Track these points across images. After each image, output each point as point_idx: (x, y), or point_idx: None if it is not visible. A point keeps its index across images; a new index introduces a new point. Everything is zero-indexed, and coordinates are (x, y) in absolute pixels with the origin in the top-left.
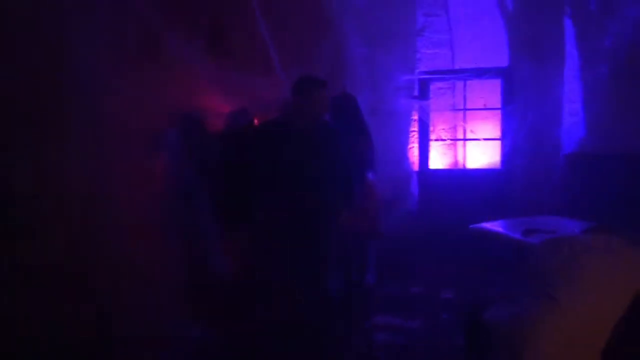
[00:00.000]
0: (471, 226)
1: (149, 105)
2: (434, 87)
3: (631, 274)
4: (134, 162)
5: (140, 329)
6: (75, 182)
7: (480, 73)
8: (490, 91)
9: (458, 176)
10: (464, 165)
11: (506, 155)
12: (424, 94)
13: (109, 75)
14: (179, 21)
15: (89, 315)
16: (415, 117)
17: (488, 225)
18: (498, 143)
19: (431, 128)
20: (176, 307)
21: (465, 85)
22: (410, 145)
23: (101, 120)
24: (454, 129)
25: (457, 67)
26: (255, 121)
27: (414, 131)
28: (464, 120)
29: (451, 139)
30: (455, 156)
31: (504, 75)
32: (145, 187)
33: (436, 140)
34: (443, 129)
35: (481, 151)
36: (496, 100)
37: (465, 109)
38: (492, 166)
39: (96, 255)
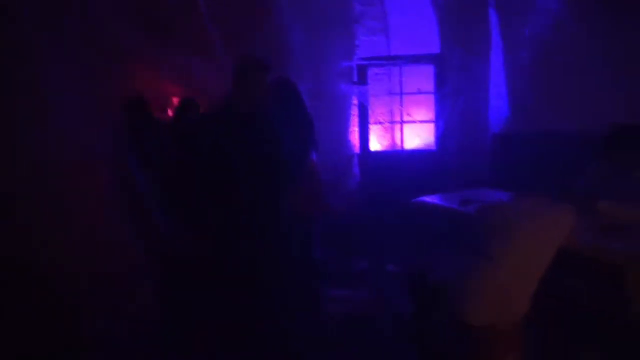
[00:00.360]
0: (413, 200)
1: (92, 92)
2: (371, 72)
3: (554, 231)
4: (79, 149)
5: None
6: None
7: (415, 59)
8: (424, 76)
9: (396, 157)
10: (401, 146)
11: (440, 136)
12: (362, 79)
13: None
14: (120, 7)
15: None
16: (355, 101)
17: (427, 198)
18: (432, 125)
19: (370, 112)
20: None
21: (401, 71)
22: (351, 129)
23: (46, 106)
24: (391, 112)
25: (393, 53)
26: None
27: (354, 115)
28: (401, 104)
29: (389, 122)
30: (393, 138)
31: (436, 61)
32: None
33: (375, 123)
34: (381, 113)
35: (417, 133)
36: (430, 85)
37: (401, 94)
38: (427, 147)
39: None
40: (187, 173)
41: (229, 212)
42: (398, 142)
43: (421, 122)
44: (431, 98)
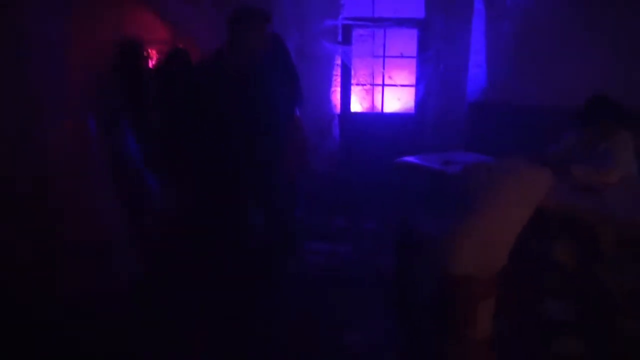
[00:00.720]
0: (396, 160)
1: (82, 36)
2: (356, 34)
3: (534, 190)
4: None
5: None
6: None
7: (399, 22)
8: (407, 40)
9: (376, 119)
10: (381, 109)
11: (419, 101)
12: (346, 40)
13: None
14: None
15: None
16: (339, 61)
17: (410, 158)
18: (412, 89)
19: (352, 73)
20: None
21: (385, 34)
22: (333, 89)
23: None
24: (373, 74)
25: (376, 15)
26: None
27: (336, 75)
28: (383, 67)
29: (370, 84)
30: (373, 101)
31: (421, 26)
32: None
33: (357, 84)
34: (363, 75)
35: (397, 97)
36: (412, 49)
37: (384, 56)
38: (406, 111)
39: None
40: (175, 124)
41: (220, 165)
42: (378, 104)
43: (402, 85)
44: (413, 62)
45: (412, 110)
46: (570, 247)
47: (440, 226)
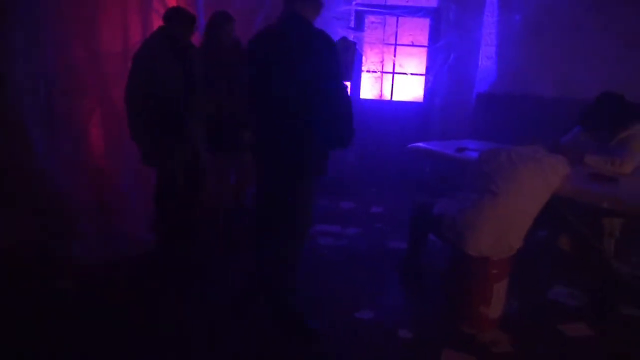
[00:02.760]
0: (409, 145)
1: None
2: (368, 20)
3: (552, 176)
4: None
5: None
6: None
7: (413, 11)
8: (419, 29)
9: (386, 107)
10: (390, 97)
11: (429, 90)
12: (359, 26)
13: None
14: None
15: None
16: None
17: (422, 144)
18: (422, 78)
19: (363, 59)
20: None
21: (397, 22)
22: None
23: None
24: (382, 62)
25: (389, 3)
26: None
27: None
28: (394, 54)
29: (381, 72)
30: (382, 88)
31: (433, 15)
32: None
33: (367, 72)
34: (374, 62)
35: (406, 85)
36: (423, 38)
37: (395, 44)
38: (415, 99)
39: None
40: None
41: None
42: (387, 92)
43: (412, 74)
44: (424, 51)
45: (421, 99)
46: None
47: (458, 207)
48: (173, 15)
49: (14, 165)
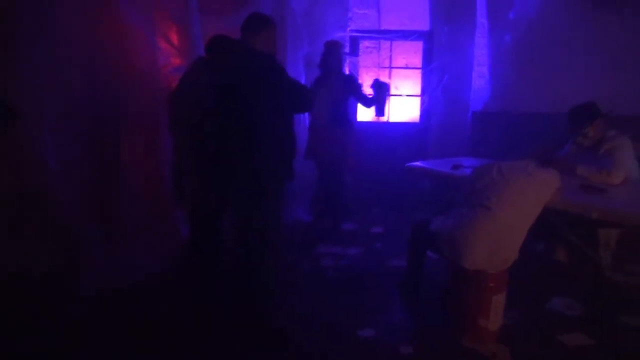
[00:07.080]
0: (407, 164)
1: None
2: (362, 45)
3: (544, 189)
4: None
5: None
6: None
7: (406, 35)
8: (412, 52)
9: (383, 128)
10: (387, 118)
11: (425, 111)
12: (354, 51)
13: None
14: None
15: None
16: (347, 72)
17: (421, 163)
18: (418, 99)
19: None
20: None
21: (391, 45)
22: None
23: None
24: None
25: (383, 28)
26: None
27: None
28: (389, 77)
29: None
30: None
31: (426, 38)
32: None
33: None
34: (369, 85)
35: (402, 106)
36: (417, 60)
37: (390, 67)
38: (411, 120)
39: None
40: None
41: None
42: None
43: (408, 96)
44: (418, 73)
45: (418, 120)
46: (572, 247)
47: (453, 223)
48: None
49: (29, 192)
